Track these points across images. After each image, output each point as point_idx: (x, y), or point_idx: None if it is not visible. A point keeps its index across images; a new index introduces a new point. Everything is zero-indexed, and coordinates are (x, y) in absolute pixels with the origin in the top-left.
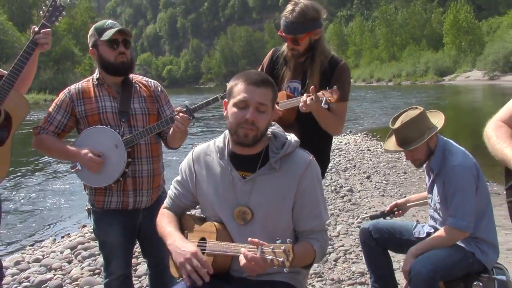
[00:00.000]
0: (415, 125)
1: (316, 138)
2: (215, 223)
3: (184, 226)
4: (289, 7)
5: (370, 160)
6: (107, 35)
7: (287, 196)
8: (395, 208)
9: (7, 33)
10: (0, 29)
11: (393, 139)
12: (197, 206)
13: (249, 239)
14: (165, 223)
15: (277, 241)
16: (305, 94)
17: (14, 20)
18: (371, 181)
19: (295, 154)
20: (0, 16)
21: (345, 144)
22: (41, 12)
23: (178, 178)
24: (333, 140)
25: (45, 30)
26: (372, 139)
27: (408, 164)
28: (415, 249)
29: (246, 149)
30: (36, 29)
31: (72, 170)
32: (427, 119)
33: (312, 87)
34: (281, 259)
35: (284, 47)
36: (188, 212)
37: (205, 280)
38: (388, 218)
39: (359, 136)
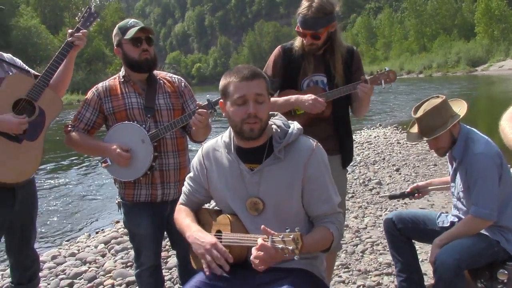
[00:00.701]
0: (438, 113)
1: (344, 130)
2: (228, 215)
3: (200, 220)
4: (305, 3)
5: (400, 153)
6: (130, 33)
7: (295, 183)
8: (416, 190)
9: (40, 36)
10: (34, 32)
11: (415, 128)
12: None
13: (262, 226)
14: (183, 217)
15: (286, 230)
16: (360, 84)
17: (46, 23)
18: (400, 173)
19: (298, 142)
20: (33, 20)
21: (374, 137)
22: (76, 18)
23: (191, 174)
24: (362, 133)
25: (81, 31)
26: (402, 132)
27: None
28: (440, 240)
29: (251, 142)
30: (70, 31)
31: (103, 165)
32: (450, 107)
33: (362, 76)
34: (290, 248)
35: (297, 42)
36: (204, 206)
37: (225, 269)
38: (407, 199)
39: (388, 129)
